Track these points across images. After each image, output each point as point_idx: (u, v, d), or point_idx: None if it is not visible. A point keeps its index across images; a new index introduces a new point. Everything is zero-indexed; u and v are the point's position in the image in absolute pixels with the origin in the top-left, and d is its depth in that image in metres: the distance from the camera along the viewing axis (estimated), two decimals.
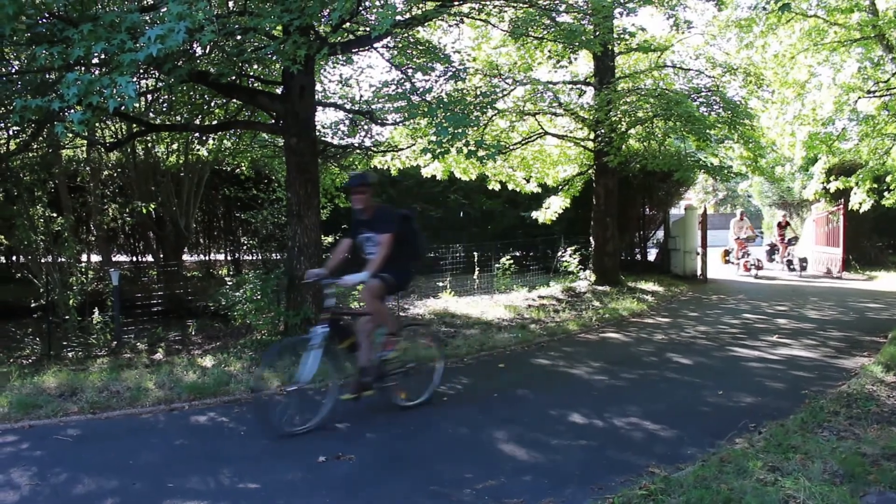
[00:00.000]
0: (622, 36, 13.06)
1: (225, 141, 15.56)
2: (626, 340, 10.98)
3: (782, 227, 23.87)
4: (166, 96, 13.19)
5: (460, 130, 7.73)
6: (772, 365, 8.82)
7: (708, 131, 14.28)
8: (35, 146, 12.35)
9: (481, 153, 8.19)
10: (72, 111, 6.97)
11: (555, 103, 16.44)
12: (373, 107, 11.99)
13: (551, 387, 8.03)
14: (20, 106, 6.65)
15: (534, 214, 18.64)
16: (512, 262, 16.92)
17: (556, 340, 10.94)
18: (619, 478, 5.01)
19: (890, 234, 23.87)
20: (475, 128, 10.67)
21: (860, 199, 19.16)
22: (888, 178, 18.14)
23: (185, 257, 18.00)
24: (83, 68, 7.83)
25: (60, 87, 6.64)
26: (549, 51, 14.60)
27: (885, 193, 18.49)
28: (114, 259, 17.36)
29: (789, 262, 22.82)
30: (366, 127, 13.10)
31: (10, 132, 12.19)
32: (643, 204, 21.60)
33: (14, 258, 16.16)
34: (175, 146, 15.47)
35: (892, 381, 7.26)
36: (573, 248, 17.54)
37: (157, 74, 10.92)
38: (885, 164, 19.63)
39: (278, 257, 15.10)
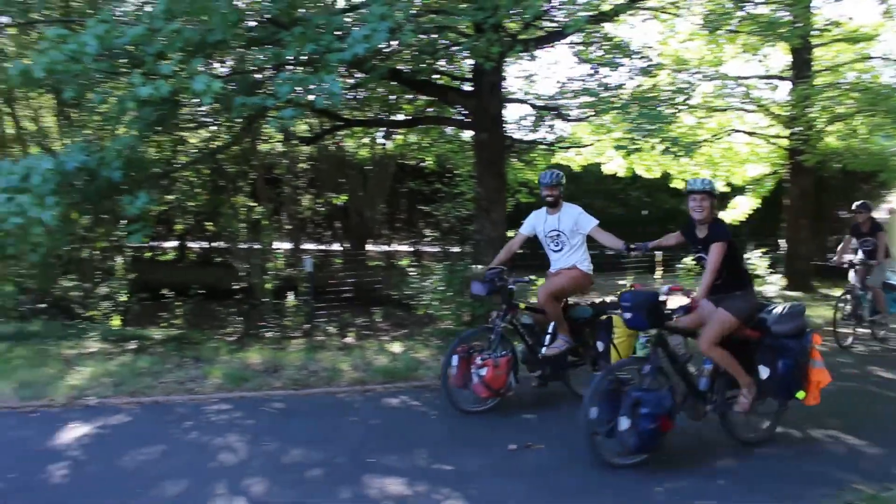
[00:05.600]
0: (826, 27, 12.26)
1: (411, 136, 16.04)
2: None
3: None
4: (359, 93, 13.77)
5: (657, 127, 7.61)
6: None
7: None
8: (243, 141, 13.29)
9: (675, 150, 8.03)
10: (282, 109, 7.48)
11: (745, 99, 15.69)
12: (558, 102, 11.98)
13: None
14: (239, 103, 7.19)
15: (720, 215, 17.91)
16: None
17: None
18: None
19: None
20: (669, 124, 10.46)
21: None
22: None
23: (369, 247, 18.73)
24: (293, 68, 8.38)
25: (274, 86, 7.14)
26: (742, 44, 13.96)
27: None
28: (302, 247, 18.35)
29: None
30: (549, 122, 13.12)
31: (221, 127, 13.18)
32: (839, 207, 20.12)
33: (215, 244, 17.42)
34: (365, 140, 16.12)
35: None
36: (761, 250, 16.67)
37: (353, 72, 11.44)
38: None
39: (458, 250, 15.38)
